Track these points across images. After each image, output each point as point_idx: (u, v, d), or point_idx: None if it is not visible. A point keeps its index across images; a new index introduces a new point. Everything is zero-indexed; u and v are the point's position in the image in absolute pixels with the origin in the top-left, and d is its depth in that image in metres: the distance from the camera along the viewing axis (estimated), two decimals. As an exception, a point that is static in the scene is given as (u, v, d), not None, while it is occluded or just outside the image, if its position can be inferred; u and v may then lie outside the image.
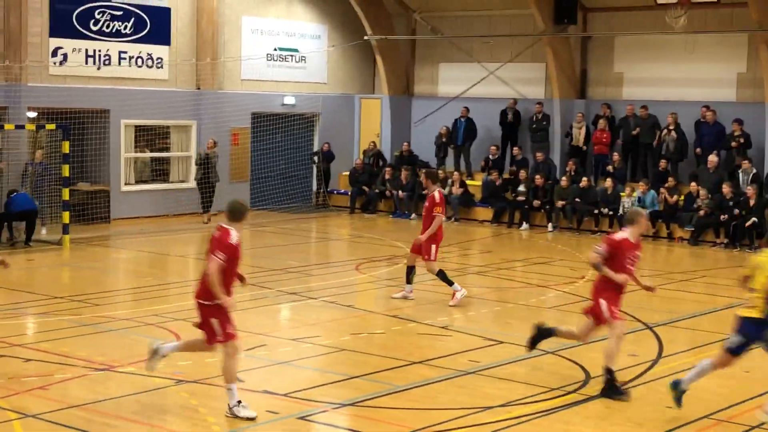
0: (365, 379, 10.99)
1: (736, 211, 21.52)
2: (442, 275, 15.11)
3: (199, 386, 10.54)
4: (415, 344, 12.74)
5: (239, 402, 9.33)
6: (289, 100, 27.75)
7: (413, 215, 26.28)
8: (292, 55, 28.01)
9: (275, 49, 27.59)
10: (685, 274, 18.94)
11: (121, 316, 14.05)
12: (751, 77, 23.91)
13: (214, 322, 9.32)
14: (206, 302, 9.33)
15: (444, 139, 27.24)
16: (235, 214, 9.46)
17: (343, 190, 28.43)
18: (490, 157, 26.19)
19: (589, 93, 26.51)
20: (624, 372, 11.29)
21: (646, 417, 9.70)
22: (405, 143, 28.15)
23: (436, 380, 10.92)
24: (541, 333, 11.04)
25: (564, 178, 24.49)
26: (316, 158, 28.33)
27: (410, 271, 15.40)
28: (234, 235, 9.30)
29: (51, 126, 21.21)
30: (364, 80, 29.90)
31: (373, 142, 28.67)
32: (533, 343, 11.08)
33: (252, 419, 9.26)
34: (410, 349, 12.28)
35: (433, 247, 15.06)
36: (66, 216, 20.50)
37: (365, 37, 28.27)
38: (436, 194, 15.05)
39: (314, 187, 28.52)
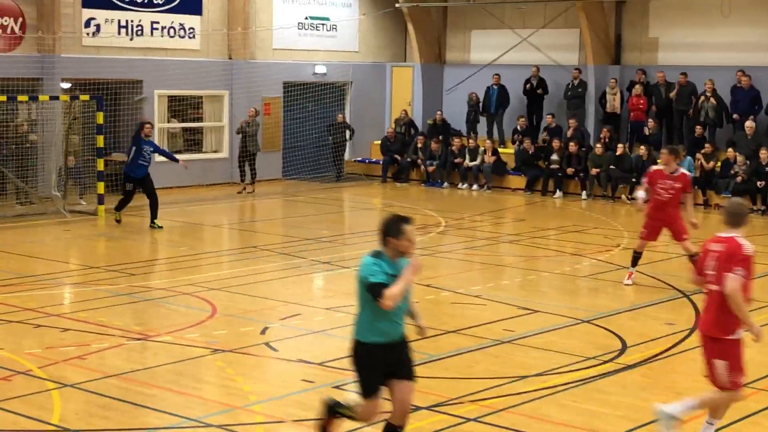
0: (400, 348, 10.96)
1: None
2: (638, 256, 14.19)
3: (235, 355, 10.56)
4: (449, 313, 12.71)
5: None
6: (321, 69, 27.65)
7: (445, 184, 26.22)
8: (323, 24, 27.88)
9: (306, 18, 27.46)
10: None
11: (156, 286, 14.12)
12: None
13: (719, 364, 7.68)
14: (718, 337, 7.65)
15: (475, 107, 27.05)
16: (738, 217, 7.79)
17: (375, 159, 28.35)
18: (518, 128, 26.04)
19: (623, 58, 26.20)
20: (661, 341, 11.22)
21: (685, 386, 9.61)
22: (438, 112, 27.98)
23: (471, 349, 10.88)
24: None
25: (598, 145, 24.27)
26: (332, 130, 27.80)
27: (639, 257, 14.17)
28: (747, 244, 7.63)
29: (85, 97, 21.27)
30: (396, 48, 29.72)
31: (405, 110, 28.52)
32: None
33: None
34: (444, 318, 12.24)
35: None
36: (101, 186, 20.61)
37: (396, 5, 28.06)
38: (687, 172, 13.90)
39: (346, 157, 28.28)
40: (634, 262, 14.21)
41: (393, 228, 7.04)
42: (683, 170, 13.83)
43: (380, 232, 7.10)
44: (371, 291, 6.89)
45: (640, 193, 13.99)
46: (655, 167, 14.22)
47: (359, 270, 7.03)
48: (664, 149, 14.25)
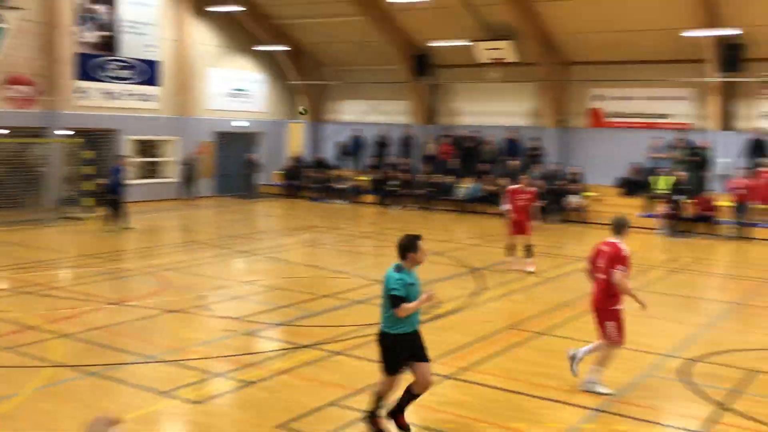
0: (292, 307, 10.98)
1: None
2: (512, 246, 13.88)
3: (181, 314, 10.36)
4: (325, 284, 12.75)
5: (594, 382, 7.43)
6: (241, 123, 27.31)
7: (325, 200, 26.24)
8: (242, 93, 27.55)
9: (232, 89, 27.10)
10: (491, 237, 19.27)
11: (127, 268, 13.68)
12: (537, 111, 24.56)
13: (610, 326, 7.32)
14: (607, 308, 7.31)
15: (344, 149, 27.25)
16: (621, 227, 7.37)
17: (277, 183, 28.14)
18: (371, 164, 26.29)
19: (438, 120, 26.79)
20: (452, 303, 11.51)
21: (474, 329, 9.89)
22: (320, 153, 27.99)
23: (341, 307, 10.96)
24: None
25: (421, 175, 24.73)
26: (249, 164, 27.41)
27: (521, 248, 13.70)
28: (624, 248, 7.26)
29: (79, 140, 20.43)
30: (292, 110, 29.58)
31: (297, 151, 28.41)
32: None
33: (608, 394, 7.30)
34: (321, 287, 12.28)
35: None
36: (90, 201, 19.84)
37: (292, 82, 27.95)
38: (535, 189, 13.94)
39: (258, 181, 27.88)
40: (510, 252, 13.92)
41: (412, 245, 6.12)
42: (532, 188, 14.02)
43: (401, 249, 6.11)
44: (392, 301, 6.07)
45: (506, 206, 13.88)
46: (513, 186, 14.16)
47: (386, 281, 6.15)
48: (524, 176, 14.37)
